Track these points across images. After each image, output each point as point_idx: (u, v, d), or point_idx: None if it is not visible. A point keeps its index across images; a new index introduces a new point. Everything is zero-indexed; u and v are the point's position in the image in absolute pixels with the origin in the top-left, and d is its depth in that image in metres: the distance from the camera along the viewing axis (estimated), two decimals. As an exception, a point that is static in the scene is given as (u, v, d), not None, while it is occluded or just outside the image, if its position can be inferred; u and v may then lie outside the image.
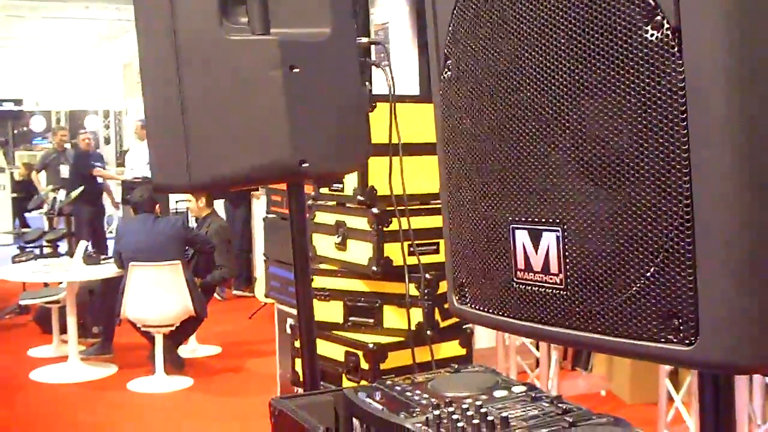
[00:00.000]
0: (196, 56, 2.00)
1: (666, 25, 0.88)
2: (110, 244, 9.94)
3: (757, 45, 0.85)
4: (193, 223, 8.61)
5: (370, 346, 3.62)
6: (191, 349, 7.49)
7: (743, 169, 0.85)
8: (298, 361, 4.06)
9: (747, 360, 0.88)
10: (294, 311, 3.71)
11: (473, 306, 1.16)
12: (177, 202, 12.31)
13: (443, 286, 3.54)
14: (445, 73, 1.15)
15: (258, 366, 6.90)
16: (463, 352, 3.87)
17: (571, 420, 1.66)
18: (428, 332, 3.55)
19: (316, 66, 2.05)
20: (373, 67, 2.60)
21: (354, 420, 1.89)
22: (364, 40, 2.21)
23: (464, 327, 3.88)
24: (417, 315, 3.60)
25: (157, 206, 7.19)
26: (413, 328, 3.52)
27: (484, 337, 6.02)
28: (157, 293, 6.46)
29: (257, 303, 8.30)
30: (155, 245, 6.59)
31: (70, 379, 6.77)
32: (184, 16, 1.99)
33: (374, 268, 3.61)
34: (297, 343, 4.01)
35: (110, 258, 7.27)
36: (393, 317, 3.72)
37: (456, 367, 2.08)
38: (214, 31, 2.00)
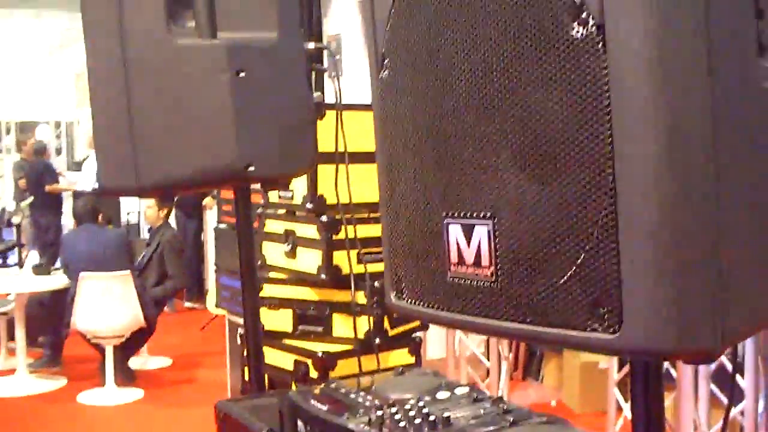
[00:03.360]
0: (144, 60, 2.01)
1: (591, 22, 0.91)
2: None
3: (677, 41, 0.89)
4: (145, 234, 8.56)
5: (319, 354, 3.63)
6: (142, 360, 7.44)
7: (663, 161, 0.88)
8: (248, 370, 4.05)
9: (668, 346, 0.91)
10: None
11: (410, 301, 1.18)
12: (128, 213, 12.22)
13: (392, 294, 3.55)
14: (383, 72, 1.17)
15: (209, 377, 6.87)
16: (412, 360, 3.89)
17: (511, 419, 1.68)
18: (377, 340, 3.56)
19: (263, 70, 2.07)
20: (327, 77, 2.62)
21: (298, 422, 1.90)
22: (312, 45, 2.22)
23: (413, 335, 3.91)
24: (366, 323, 3.62)
25: (100, 216, 7.14)
26: (362, 336, 3.54)
27: (435, 348, 6.05)
28: (107, 304, 6.42)
29: (209, 315, 8.27)
30: (101, 256, 6.56)
31: (18, 392, 6.69)
32: (131, 20, 2.00)
33: (323, 276, 3.62)
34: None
35: (60, 269, 7.21)
36: (342, 325, 3.73)
37: (400, 369, 2.10)
38: (162, 35, 2.01)
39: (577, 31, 0.92)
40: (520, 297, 1.00)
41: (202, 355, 7.71)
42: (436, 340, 5.99)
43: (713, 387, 4.46)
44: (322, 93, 2.94)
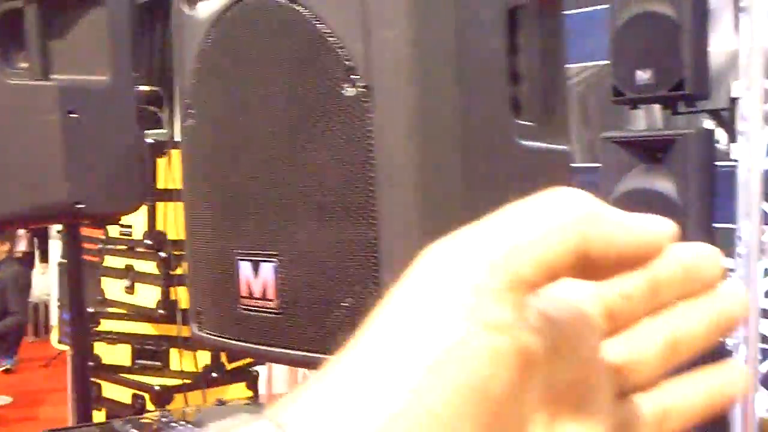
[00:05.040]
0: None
1: (360, 84, 1.04)
2: None
3: (433, 104, 1.02)
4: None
5: (156, 388, 3.67)
6: (-20, 399, 7.25)
7: (418, 219, 1.01)
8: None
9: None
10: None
11: (209, 332, 1.28)
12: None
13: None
14: (188, 120, 1.28)
15: (51, 415, 6.74)
16: (249, 393, 3.96)
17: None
18: (213, 374, 3.63)
19: (94, 112, 2.14)
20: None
21: (120, 451, 1.97)
22: (145, 88, 2.31)
23: (250, 369, 3.99)
24: (204, 358, 3.68)
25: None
26: (199, 370, 3.60)
27: (280, 383, 6.10)
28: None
29: (54, 351, 8.11)
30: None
31: None
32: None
33: (161, 311, 3.67)
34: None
35: None
36: (179, 360, 3.78)
37: (221, 400, 2.18)
38: (-6, 75, 2.06)
39: (349, 91, 1.05)
40: (300, 329, 1.11)
41: (44, 392, 7.55)
42: (281, 374, 6.05)
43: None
44: (172, 130, 3.02)
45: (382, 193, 1.02)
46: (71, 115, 2.11)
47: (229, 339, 1.22)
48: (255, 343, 1.17)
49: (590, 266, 0.36)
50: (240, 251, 1.18)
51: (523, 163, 1.15)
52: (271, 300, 1.13)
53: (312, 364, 1.11)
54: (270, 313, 1.14)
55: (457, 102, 1.04)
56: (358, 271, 1.05)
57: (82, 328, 2.32)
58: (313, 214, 1.09)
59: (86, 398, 2.31)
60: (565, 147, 1.26)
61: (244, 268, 1.17)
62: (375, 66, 1.03)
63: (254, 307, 1.16)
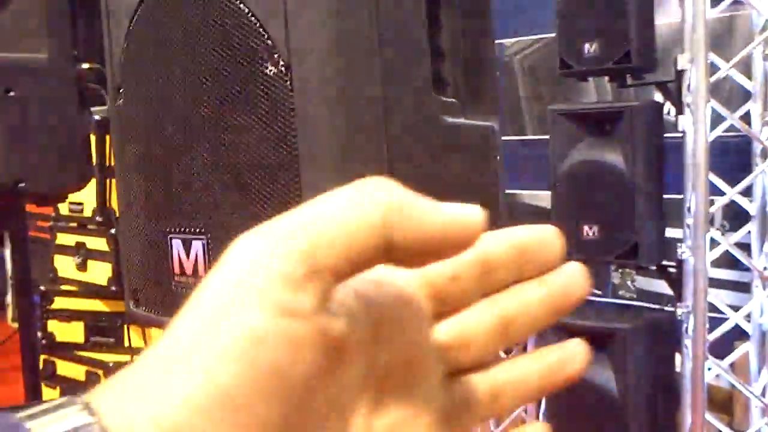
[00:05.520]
0: None
1: (281, 63, 1.05)
2: None
3: (352, 83, 1.04)
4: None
5: (110, 365, 3.68)
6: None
7: (339, 185, 1.03)
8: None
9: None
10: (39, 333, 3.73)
11: (145, 309, 1.30)
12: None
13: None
14: (119, 100, 1.29)
15: (4, 394, 6.70)
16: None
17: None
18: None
19: (33, 90, 2.13)
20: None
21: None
22: (85, 65, 2.30)
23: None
24: (157, 334, 3.68)
25: None
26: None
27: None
28: None
29: (9, 329, 8.06)
30: None
31: None
32: None
33: (113, 288, 3.68)
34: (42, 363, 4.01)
35: None
36: (134, 336, 3.79)
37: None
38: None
39: (270, 70, 1.06)
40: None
41: None
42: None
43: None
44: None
45: (305, 170, 1.04)
46: (9, 93, 2.11)
47: (165, 316, 1.24)
48: (186, 320, 1.19)
49: (400, 254, 0.38)
50: (171, 229, 1.19)
51: (446, 139, 1.18)
52: (202, 276, 1.15)
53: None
54: (200, 289, 1.16)
55: (378, 78, 1.06)
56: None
57: (28, 303, 2.32)
58: (239, 192, 1.10)
59: (35, 375, 2.32)
60: (491, 123, 1.28)
61: (176, 246, 1.18)
62: (295, 45, 1.04)
63: (187, 284, 1.18)
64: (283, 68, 1.05)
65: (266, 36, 1.05)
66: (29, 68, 2.14)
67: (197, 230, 1.15)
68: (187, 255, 1.17)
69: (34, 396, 2.33)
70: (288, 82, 1.05)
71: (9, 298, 8.91)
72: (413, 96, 1.12)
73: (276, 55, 1.06)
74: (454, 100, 1.21)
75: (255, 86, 1.08)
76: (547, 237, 0.44)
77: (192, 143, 1.16)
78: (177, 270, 1.19)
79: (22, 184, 2.10)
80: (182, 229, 1.18)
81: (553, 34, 3.98)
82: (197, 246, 1.15)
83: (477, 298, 0.43)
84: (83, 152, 2.25)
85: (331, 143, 1.03)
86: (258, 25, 1.06)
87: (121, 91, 1.28)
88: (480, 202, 1.16)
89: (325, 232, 0.38)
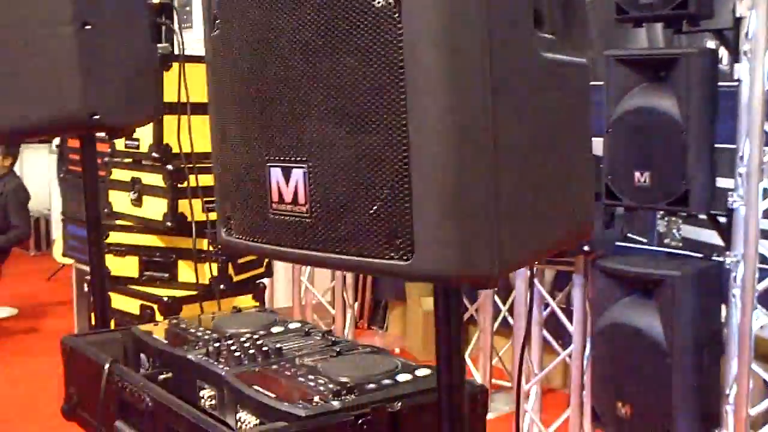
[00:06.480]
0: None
1: (389, -5, 1.07)
2: None
3: (461, 13, 1.05)
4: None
5: (165, 299, 3.74)
6: (-15, 311, 7.35)
7: (448, 118, 1.05)
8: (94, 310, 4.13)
9: (452, 271, 1.08)
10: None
11: (238, 236, 1.33)
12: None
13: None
14: (215, 31, 1.31)
15: (55, 326, 6.84)
16: (256, 305, 4.03)
17: (338, 350, 1.86)
18: (221, 286, 3.69)
19: (108, 23, 2.16)
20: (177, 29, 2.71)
21: (141, 355, 2.03)
22: (155, 0, 2.32)
23: (257, 282, 4.05)
24: (210, 270, 3.74)
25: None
26: (206, 282, 3.66)
27: (281, 296, 6.20)
28: (-52, 253, 6.32)
29: (56, 264, 8.20)
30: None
31: None
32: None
33: (168, 223, 3.72)
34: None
35: None
36: (187, 272, 3.84)
37: (237, 308, 2.24)
38: (7, -14, 2.08)
39: (378, 3, 1.07)
40: (330, 231, 1.16)
41: (48, 304, 7.66)
42: (282, 288, 6.15)
43: (545, 333, 4.75)
44: (172, 45, 3.03)
45: (412, 100, 1.06)
46: (85, 27, 2.13)
47: (260, 243, 1.27)
48: (286, 246, 1.22)
49: None
50: (270, 158, 1.22)
51: (545, 75, 1.19)
52: (302, 205, 1.18)
53: (342, 266, 1.16)
54: (301, 217, 1.18)
55: (484, 12, 1.07)
56: (388, 176, 1.09)
57: (97, 241, 2.37)
58: (343, 120, 1.12)
59: (105, 308, 2.38)
60: (584, 60, 1.30)
61: (275, 174, 1.21)
62: (404, -23, 1.05)
63: (285, 211, 1.20)
64: (391, 1, 1.06)
65: (375, -33, 1.07)
66: (105, 2, 2.16)
67: (297, 159, 1.18)
68: (287, 183, 1.20)
69: (104, 324, 2.39)
70: (396, 14, 1.06)
71: (55, 234, 9.03)
72: (516, 30, 1.13)
73: (384, -13, 1.07)
74: (552, 36, 1.22)
75: (362, 18, 1.09)
76: None
77: (294, 74, 1.17)
78: (275, 198, 1.22)
79: (97, 116, 2.14)
80: (282, 158, 1.20)
81: (608, -20, 3.94)
82: (297, 174, 1.18)
83: None
84: (156, 85, 2.28)
85: (438, 76, 1.04)
86: (368, -44, 1.07)
87: (218, 22, 1.29)
88: (576, 137, 1.18)
89: None
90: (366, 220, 1.12)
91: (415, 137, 1.06)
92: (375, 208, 1.11)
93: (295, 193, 1.19)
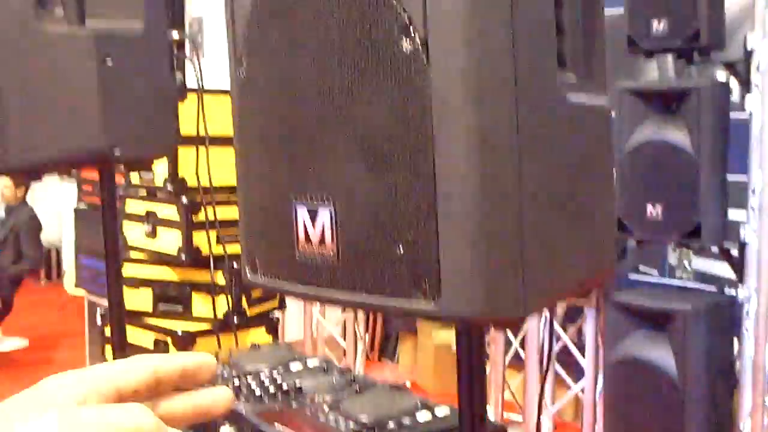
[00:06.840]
0: (11, 46, 2.09)
1: (417, 38, 1.08)
2: None
3: (488, 56, 1.06)
4: (1, 213, 8.41)
5: (179, 333, 3.74)
6: (-4, 341, 7.36)
7: (475, 161, 1.06)
8: (108, 348, 4.13)
9: (478, 312, 1.09)
10: (104, 301, 3.80)
11: (263, 275, 1.33)
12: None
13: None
14: (241, 70, 1.32)
15: (67, 358, 6.85)
16: (269, 339, 4.04)
17: (358, 387, 1.86)
18: (235, 319, 3.70)
19: (129, 58, 2.18)
20: (188, 61, 2.74)
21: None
22: (176, 34, 2.35)
23: (270, 315, 4.06)
24: (225, 303, 3.75)
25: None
26: (220, 315, 3.67)
27: (293, 329, 6.20)
28: (-40, 283, 6.33)
29: (67, 295, 8.21)
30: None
31: None
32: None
33: (183, 256, 3.73)
34: (107, 331, 4.08)
35: None
36: (202, 305, 3.85)
37: (257, 344, 2.25)
38: (30, 21, 2.10)
39: (406, 47, 1.09)
40: (357, 272, 1.17)
41: (60, 335, 7.66)
42: (294, 321, 6.15)
43: (558, 367, 4.75)
44: (183, 76, 3.06)
45: (439, 143, 1.07)
46: (106, 62, 2.15)
47: (286, 282, 1.27)
48: (313, 287, 1.22)
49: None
50: (296, 197, 1.23)
51: (569, 116, 1.20)
52: (328, 244, 1.18)
53: (368, 306, 1.17)
54: (327, 257, 1.19)
55: (510, 56, 1.08)
56: (414, 218, 1.10)
57: (116, 275, 2.37)
58: (369, 162, 1.13)
59: (123, 343, 2.38)
60: (604, 102, 1.31)
61: (302, 213, 1.22)
62: (432, 21, 1.07)
63: (312, 252, 1.21)
64: (419, 44, 1.08)
65: (402, 11, 1.08)
66: (125, 38, 2.19)
67: (324, 199, 1.19)
68: (313, 224, 1.20)
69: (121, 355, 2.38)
70: (424, 58, 1.07)
71: (66, 264, 9.05)
72: (542, 73, 1.14)
73: (412, 32, 1.08)
74: (574, 77, 1.23)
75: (388, 62, 1.10)
76: (206, 364, 0.70)
77: (320, 115, 1.18)
78: (302, 237, 1.22)
79: (117, 150, 2.16)
80: (308, 197, 1.21)
81: (618, 10, 3.97)
82: (324, 215, 1.19)
83: (147, 400, 0.66)
84: (174, 118, 2.30)
85: (465, 119, 1.05)
86: (395, 1, 1.08)
87: (244, 61, 1.31)
88: (598, 181, 1.19)
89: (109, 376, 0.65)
90: (392, 261, 1.13)
91: (442, 181, 1.07)
92: (400, 250, 1.12)
93: (322, 234, 1.19)
